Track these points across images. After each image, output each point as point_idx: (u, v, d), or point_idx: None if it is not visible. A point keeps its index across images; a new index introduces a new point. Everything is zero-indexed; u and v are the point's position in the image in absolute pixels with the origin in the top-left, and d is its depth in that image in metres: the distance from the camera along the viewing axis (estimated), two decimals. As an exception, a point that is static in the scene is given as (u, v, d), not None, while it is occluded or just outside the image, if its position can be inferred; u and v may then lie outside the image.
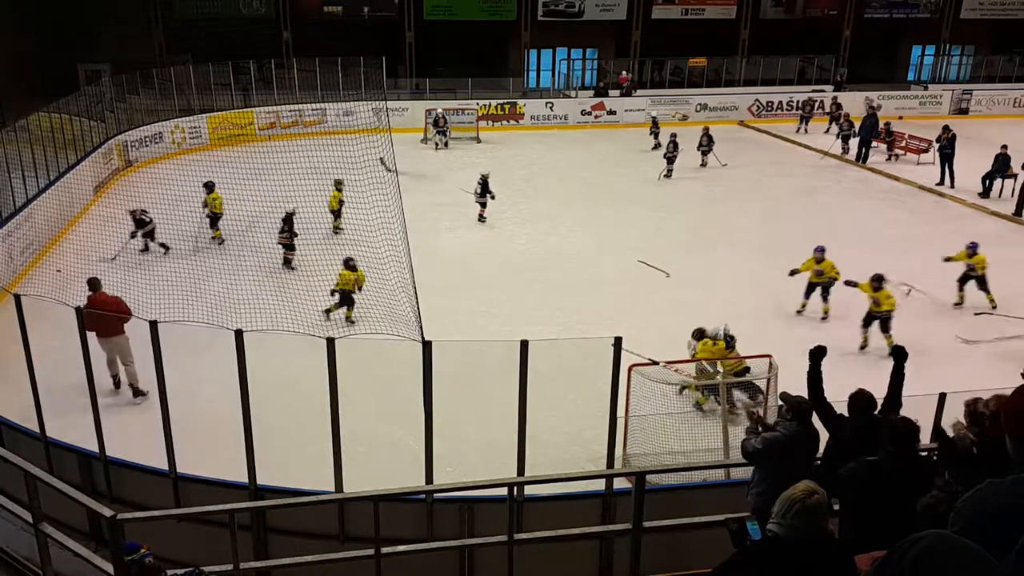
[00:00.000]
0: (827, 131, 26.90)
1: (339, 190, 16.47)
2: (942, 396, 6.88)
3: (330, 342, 6.37)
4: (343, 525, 6.91)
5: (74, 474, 7.53)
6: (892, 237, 17.07)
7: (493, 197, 17.78)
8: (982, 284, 13.22)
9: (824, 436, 5.90)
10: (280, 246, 14.74)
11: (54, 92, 19.77)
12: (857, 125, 24.35)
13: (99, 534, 6.88)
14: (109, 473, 7.54)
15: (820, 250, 13.01)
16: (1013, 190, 19.92)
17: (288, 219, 14.66)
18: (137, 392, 10.30)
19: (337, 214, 16.69)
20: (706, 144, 22.70)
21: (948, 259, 13.49)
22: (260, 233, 15.18)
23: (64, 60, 26.87)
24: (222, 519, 5.70)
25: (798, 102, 30.05)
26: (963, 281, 13.38)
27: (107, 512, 5.03)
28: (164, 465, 7.15)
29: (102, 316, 9.76)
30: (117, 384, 10.37)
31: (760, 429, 6.01)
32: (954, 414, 6.45)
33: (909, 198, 20.60)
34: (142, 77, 24.12)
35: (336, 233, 16.42)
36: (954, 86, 33.21)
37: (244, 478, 6.85)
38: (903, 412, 5.62)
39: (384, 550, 5.51)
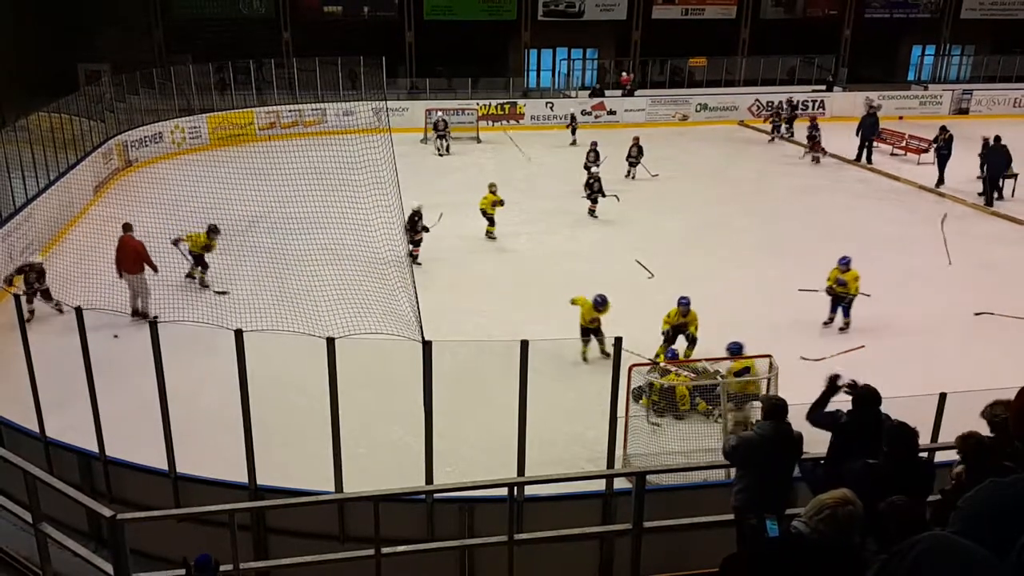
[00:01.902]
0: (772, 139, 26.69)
1: (494, 192, 16.64)
2: (942, 396, 6.88)
3: (330, 342, 6.37)
4: (343, 525, 6.90)
5: (74, 474, 7.52)
6: (892, 236, 17.08)
7: (604, 195, 18.31)
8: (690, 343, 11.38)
9: (813, 438, 5.88)
10: (410, 244, 15.06)
11: (54, 92, 19.77)
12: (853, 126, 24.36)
13: (99, 534, 6.88)
14: (109, 473, 7.53)
15: (845, 261, 12.28)
16: (1014, 190, 19.95)
17: (416, 215, 15.12)
18: (143, 315, 11.94)
19: (491, 220, 16.73)
20: (635, 155, 21.59)
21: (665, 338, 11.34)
22: (260, 233, 15.17)
23: (64, 60, 26.89)
24: (222, 519, 5.70)
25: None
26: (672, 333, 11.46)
27: (107, 512, 5.04)
28: (164, 465, 7.15)
29: (125, 255, 12.39)
30: (134, 313, 12.08)
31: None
32: (955, 415, 6.47)
33: (909, 198, 20.60)
34: (142, 77, 24.11)
35: (490, 239, 16.69)
36: (954, 86, 33.19)
37: (244, 478, 6.84)
38: (903, 415, 5.58)
39: (384, 550, 5.51)
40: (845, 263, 12.23)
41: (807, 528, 3.45)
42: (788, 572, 3.46)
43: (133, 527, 5.26)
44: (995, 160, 19.49)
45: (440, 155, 24.71)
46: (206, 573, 5.08)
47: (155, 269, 12.66)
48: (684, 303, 11.24)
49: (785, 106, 27.74)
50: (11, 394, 8.40)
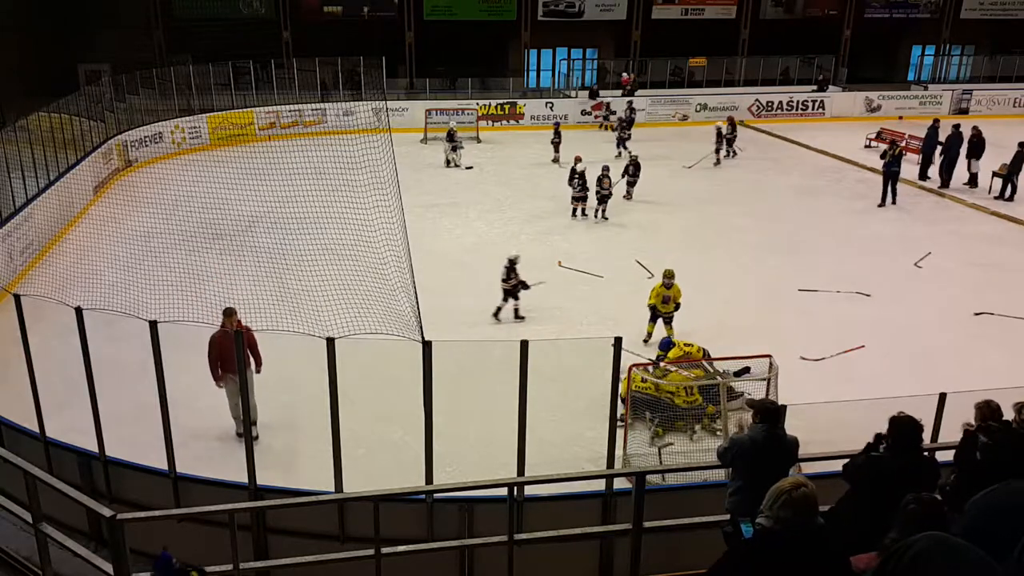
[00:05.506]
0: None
1: (666, 287, 11.91)
2: (942, 396, 6.87)
3: (330, 342, 6.37)
4: (343, 525, 6.90)
5: (74, 474, 7.51)
6: (891, 236, 17.10)
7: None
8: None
9: (804, 440, 5.86)
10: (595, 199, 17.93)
11: (54, 92, 19.78)
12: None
13: (99, 534, 6.88)
14: (109, 473, 7.54)
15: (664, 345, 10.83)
16: (1014, 191, 19.91)
17: (579, 174, 18.09)
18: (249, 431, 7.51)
19: (658, 317, 11.96)
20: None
21: None
22: (260, 233, 15.18)
23: (64, 60, 26.87)
24: (222, 519, 5.70)
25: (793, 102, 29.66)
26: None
27: (107, 512, 5.03)
28: (164, 465, 7.15)
29: (231, 350, 7.90)
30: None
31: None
32: (955, 415, 6.46)
33: (908, 198, 20.60)
34: (142, 77, 24.12)
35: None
36: (954, 86, 33.20)
37: (244, 478, 6.85)
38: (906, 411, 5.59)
39: (384, 550, 5.51)
40: (664, 347, 10.74)
41: (769, 520, 3.48)
42: (766, 570, 3.47)
43: (133, 527, 5.25)
44: (952, 146, 21.04)
45: (449, 166, 23.42)
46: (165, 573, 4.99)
47: (260, 363, 9.14)
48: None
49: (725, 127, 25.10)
50: (11, 394, 8.40)
